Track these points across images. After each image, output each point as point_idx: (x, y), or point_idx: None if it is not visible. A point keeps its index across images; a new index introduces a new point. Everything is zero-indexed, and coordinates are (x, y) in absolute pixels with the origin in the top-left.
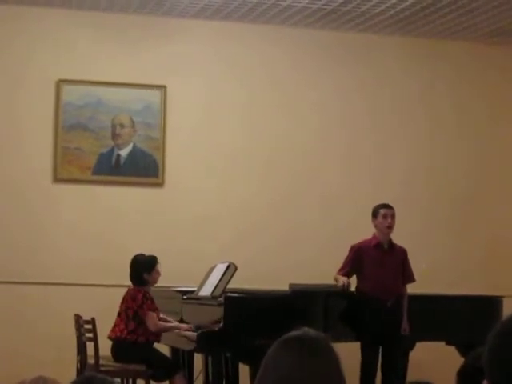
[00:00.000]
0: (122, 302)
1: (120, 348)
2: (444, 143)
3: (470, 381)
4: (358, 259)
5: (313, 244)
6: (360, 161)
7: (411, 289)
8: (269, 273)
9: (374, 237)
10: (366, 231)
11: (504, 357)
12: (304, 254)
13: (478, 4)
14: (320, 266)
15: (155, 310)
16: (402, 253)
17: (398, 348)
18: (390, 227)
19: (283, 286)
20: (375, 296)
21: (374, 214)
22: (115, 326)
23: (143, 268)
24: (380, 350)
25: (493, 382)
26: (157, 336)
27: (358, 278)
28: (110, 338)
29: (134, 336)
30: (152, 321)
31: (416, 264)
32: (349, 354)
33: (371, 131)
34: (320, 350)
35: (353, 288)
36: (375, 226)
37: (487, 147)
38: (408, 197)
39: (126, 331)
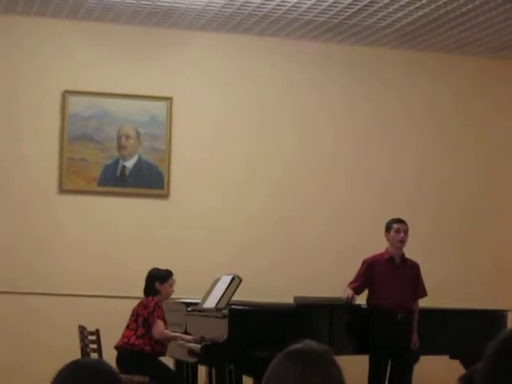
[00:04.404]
0: (132, 314)
1: (125, 357)
2: (453, 157)
3: None
4: (369, 273)
5: (319, 258)
6: (369, 175)
7: None
8: (274, 286)
9: (387, 251)
10: (373, 246)
11: (500, 376)
12: (310, 269)
13: (484, 18)
14: (326, 280)
15: (164, 320)
16: (415, 267)
17: (407, 361)
18: (403, 241)
19: (288, 300)
20: (386, 309)
21: (388, 228)
22: (123, 336)
23: (156, 278)
24: (389, 363)
25: None
26: (163, 347)
27: (369, 291)
28: (116, 346)
29: (142, 343)
30: (158, 328)
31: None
32: (353, 366)
33: (380, 145)
34: (322, 363)
35: (362, 301)
36: (388, 240)
37: (497, 161)
38: (416, 210)
39: (134, 337)
